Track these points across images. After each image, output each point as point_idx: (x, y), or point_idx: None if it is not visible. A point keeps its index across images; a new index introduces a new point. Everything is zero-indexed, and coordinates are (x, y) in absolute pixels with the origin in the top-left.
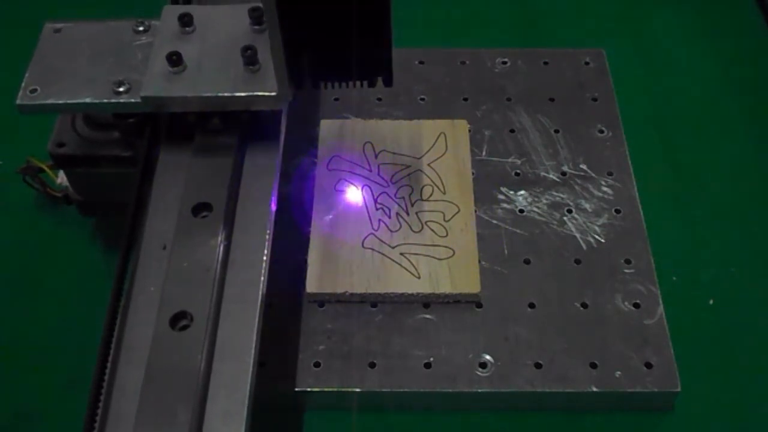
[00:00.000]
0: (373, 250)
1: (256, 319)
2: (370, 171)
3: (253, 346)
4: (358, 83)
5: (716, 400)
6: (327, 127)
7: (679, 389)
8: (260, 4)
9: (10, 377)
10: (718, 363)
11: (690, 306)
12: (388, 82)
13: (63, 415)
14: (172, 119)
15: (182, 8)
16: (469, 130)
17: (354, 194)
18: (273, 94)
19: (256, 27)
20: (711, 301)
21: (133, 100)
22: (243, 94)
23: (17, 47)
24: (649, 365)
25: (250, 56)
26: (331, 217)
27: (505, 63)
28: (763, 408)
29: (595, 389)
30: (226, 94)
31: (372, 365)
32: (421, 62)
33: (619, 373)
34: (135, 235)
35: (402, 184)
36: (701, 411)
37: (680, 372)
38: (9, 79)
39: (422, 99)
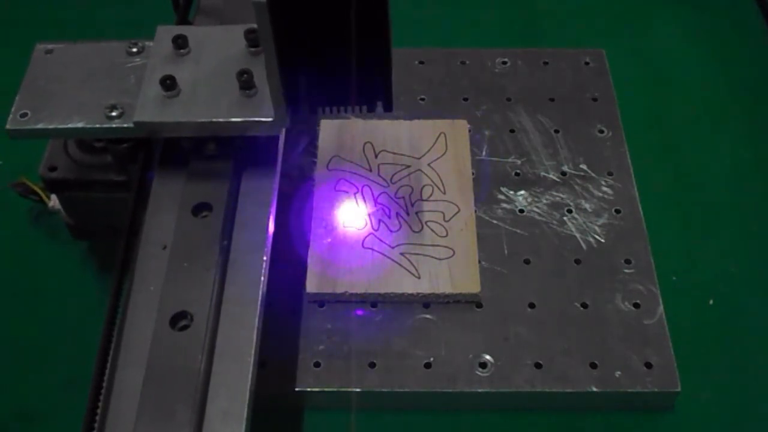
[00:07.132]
0: (373, 250)
1: (257, 319)
2: (370, 171)
3: (254, 346)
4: (357, 108)
5: (716, 400)
6: (326, 126)
7: (679, 389)
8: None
9: (10, 377)
10: (718, 363)
11: (690, 306)
12: (387, 108)
13: (63, 415)
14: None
15: (177, 29)
16: (469, 130)
17: (354, 195)
18: (269, 119)
19: (253, 49)
20: (711, 301)
21: (125, 125)
22: (238, 119)
23: (18, 46)
24: (649, 365)
25: (246, 80)
26: (331, 217)
27: (505, 63)
28: (763, 408)
29: (595, 389)
30: (220, 120)
31: (372, 365)
32: (421, 62)
33: (619, 373)
34: (134, 234)
35: (402, 184)
36: (701, 411)
37: (680, 372)
38: (9, 76)
39: (422, 99)
